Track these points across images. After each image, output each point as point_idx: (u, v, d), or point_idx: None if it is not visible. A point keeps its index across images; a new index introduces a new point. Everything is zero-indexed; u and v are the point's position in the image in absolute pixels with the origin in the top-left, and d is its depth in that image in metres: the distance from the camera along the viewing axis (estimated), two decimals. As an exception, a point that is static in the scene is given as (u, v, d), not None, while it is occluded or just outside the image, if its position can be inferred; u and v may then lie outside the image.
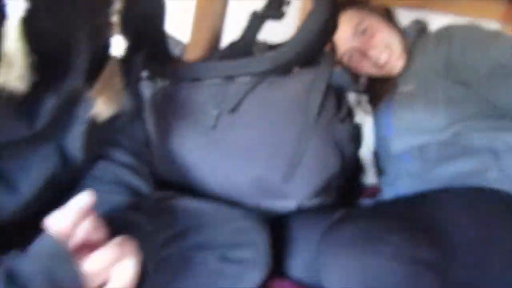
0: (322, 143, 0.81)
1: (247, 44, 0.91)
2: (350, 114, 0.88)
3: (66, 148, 0.61)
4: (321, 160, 0.82)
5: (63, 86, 0.56)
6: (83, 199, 0.50)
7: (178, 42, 1.48)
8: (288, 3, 0.89)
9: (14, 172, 0.56)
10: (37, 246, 0.48)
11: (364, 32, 0.99)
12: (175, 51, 1.45)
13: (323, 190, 0.83)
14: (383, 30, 1.00)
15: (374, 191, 1.05)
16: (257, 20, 0.90)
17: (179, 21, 1.41)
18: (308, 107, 0.80)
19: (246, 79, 0.83)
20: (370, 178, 1.12)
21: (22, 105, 0.52)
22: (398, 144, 0.95)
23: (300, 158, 0.80)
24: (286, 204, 0.84)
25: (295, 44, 0.80)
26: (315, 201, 0.84)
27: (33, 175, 0.57)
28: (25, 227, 0.53)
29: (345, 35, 0.99)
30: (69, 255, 0.47)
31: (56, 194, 0.61)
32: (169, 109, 0.88)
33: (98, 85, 0.59)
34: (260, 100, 0.83)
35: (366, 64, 1.01)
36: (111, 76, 0.61)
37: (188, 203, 0.81)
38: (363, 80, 1.11)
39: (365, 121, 1.05)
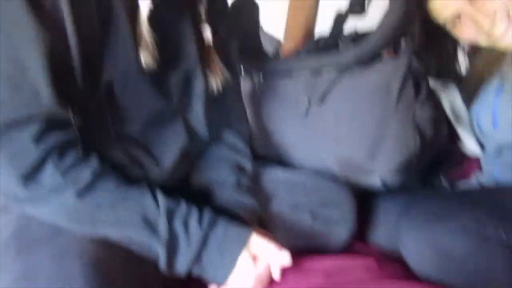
0: (402, 125, 0.91)
1: (334, 39, 1.03)
2: (430, 96, 0.95)
3: (192, 124, 0.77)
4: (401, 140, 0.91)
5: (181, 64, 0.73)
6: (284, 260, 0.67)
7: (273, 38, 1.62)
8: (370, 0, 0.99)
9: (156, 148, 0.71)
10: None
11: None
12: (270, 47, 1.60)
13: (405, 168, 0.93)
14: None
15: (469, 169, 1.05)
16: (341, 18, 1.01)
17: (274, 18, 1.54)
18: (388, 92, 0.90)
19: (333, 71, 0.95)
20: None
21: (155, 80, 0.68)
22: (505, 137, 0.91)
23: (382, 139, 0.91)
24: (371, 180, 0.96)
25: (375, 38, 0.90)
26: (397, 180, 0.94)
27: (170, 149, 0.73)
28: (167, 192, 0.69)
29: None
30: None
31: (188, 166, 0.79)
32: (266, 100, 1.03)
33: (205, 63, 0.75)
34: (345, 89, 0.95)
35: (475, 32, 0.87)
36: (212, 56, 0.76)
37: (280, 173, 0.97)
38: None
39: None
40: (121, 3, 0.62)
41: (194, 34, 0.75)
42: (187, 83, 0.75)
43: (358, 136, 0.94)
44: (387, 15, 0.89)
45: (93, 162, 0.62)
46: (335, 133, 0.96)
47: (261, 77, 1.04)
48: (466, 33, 0.89)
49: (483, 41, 0.88)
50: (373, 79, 0.93)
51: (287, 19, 1.28)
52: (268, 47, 1.60)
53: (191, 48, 0.74)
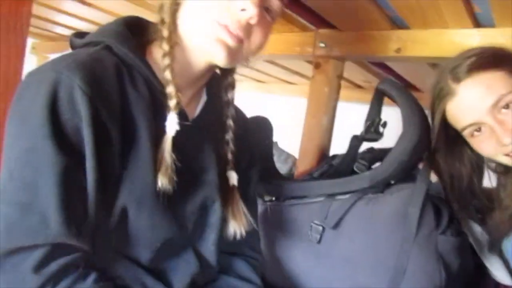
0: (424, 255, 0.84)
1: (348, 163, 1.02)
2: (453, 224, 0.90)
3: (203, 254, 0.74)
4: (424, 273, 0.84)
5: (199, 193, 0.72)
6: None
7: (289, 155, 1.64)
8: (385, 124, 0.99)
9: (168, 272, 0.69)
10: None
11: (507, 107, 0.77)
12: (284, 163, 1.61)
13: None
14: None
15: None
16: (357, 142, 1.01)
17: (290, 135, 1.58)
18: (407, 220, 0.85)
19: (347, 196, 0.91)
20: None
21: (171, 206, 0.66)
22: None
23: (403, 270, 0.84)
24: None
25: (390, 163, 0.88)
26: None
27: (180, 277, 0.69)
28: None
29: (479, 104, 0.78)
30: None
31: None
32: (277, 224, 0.99)
33: (229, 208, 0.75)
34: (360, 215, 0.90)
35: (495, 147, 0.79)
36: (236, 201, 0.76)
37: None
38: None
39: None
40: (146, 126, 0.62)
41: (217, 165, 0.75)
42: (204, 212, 0.74)
43: (376, 265, 0.87)
44: (400, 141, 0.88)
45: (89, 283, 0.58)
46: (350, 262, 0.90)
47: (275, 201, 1.01)
48: (485, 149, 0.82)
49: (504, 160, 0.81)
50: (390, 205, 0.88)
51: (302, 137, 1.30)
52: (282, 163, 1.62)
53: (211, 178, 0.73)
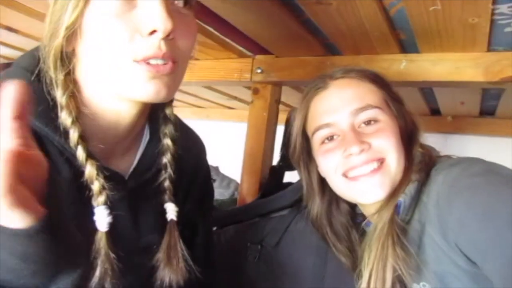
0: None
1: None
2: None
3: None
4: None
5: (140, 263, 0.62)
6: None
7: (231, 180, 1.63)
8: None
9: None
10: None
11: (368, 123, 0.75)
12: (229, 188, 1.61)
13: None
14: (392, 134, 0.74)
15: None
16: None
17: (231, 160, 1.58)
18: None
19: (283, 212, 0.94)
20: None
21: None
22: None
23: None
24: None
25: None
26: None
27: None
28: None
29: (344, 104, 0.76)
30: None
31: None
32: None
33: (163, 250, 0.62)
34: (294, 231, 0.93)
35: (339, 159, 0.75)
36: (174, 241, 0.64)
37: None
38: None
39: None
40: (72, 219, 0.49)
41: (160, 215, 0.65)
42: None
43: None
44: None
45: None
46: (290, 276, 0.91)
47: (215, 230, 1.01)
48: (329, 159, 0.77)
49: (338, 181, 0.77)
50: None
51: (243, 162, 1.30)
52: (224, 189, 1.61)
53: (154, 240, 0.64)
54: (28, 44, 1.41)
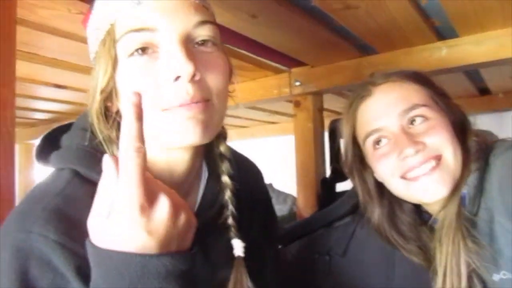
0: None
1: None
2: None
3: None
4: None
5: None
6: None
7: (287, 195, 1.63)
8: None
9: None
10: None
11: (415, 121, 0.75)
12: (286, 203, 1.61)
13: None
14: (444, 129, 0.73)
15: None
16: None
17: (282, 175, 1.58)
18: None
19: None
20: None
21: None
22: None
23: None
24: None
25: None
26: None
27: None
28: None
29: (391, 108, 0.76)
30: None
31: None
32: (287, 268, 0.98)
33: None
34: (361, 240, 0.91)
35: (394, 162, 0.74)
36: (240, 277, 0.63)
37: None
38: None
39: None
40: None
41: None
42: None
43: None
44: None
45: None
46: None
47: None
48: (385, 164, 0.76)
49: (397, 185, 0.76)
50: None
51: (297, 175, 1.30)
52: (281, 204, 1.61)
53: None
54: (77, 98, 1.50)
